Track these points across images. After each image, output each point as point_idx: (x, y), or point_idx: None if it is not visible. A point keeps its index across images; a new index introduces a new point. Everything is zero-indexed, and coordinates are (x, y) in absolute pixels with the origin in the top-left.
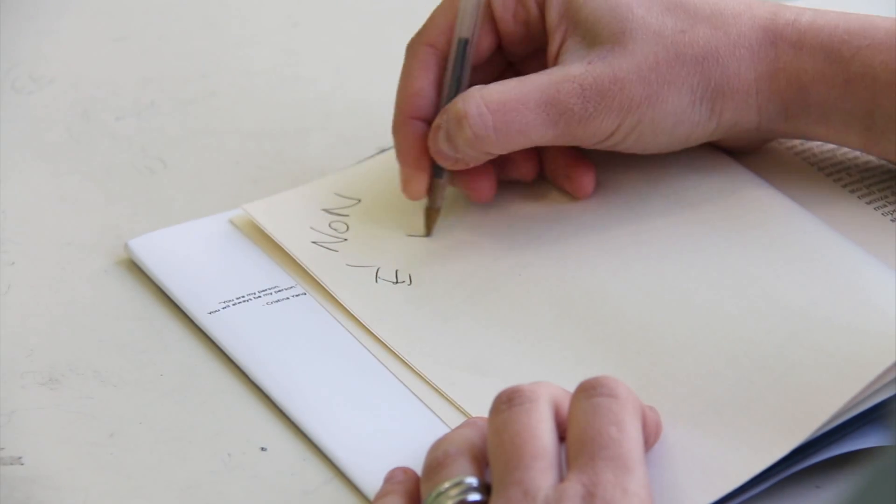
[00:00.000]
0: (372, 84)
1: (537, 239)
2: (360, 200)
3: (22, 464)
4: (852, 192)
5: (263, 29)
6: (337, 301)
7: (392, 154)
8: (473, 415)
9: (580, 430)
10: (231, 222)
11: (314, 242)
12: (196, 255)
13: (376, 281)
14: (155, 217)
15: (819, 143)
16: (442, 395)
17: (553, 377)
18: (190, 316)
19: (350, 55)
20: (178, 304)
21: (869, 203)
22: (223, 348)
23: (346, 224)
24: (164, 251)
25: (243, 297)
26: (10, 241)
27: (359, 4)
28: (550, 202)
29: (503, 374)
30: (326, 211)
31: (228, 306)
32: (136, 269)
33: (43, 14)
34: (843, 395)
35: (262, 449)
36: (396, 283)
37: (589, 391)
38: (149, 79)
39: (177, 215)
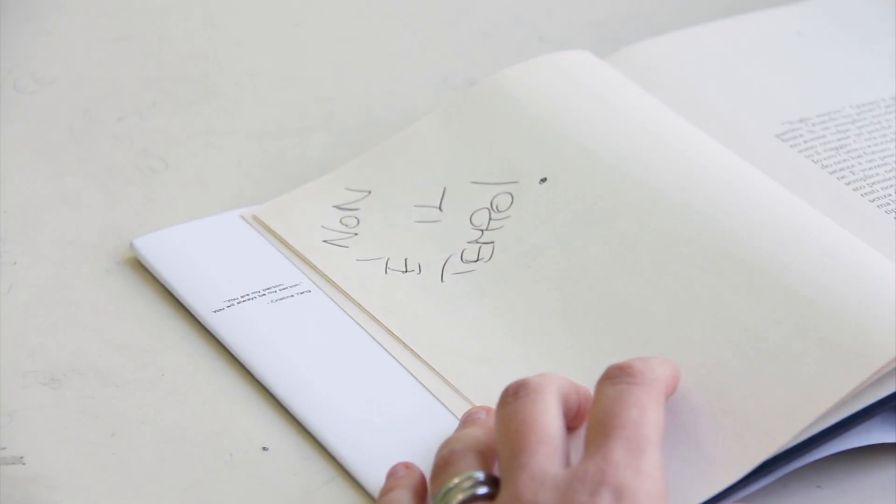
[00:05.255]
0: (374, 84)
1: (547, 230)
2: (370, 192)
3: (23, 463)
4: (856, 189)
5: (265, 29)
6: (343, 296)
7: (400, 139)
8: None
9: (602, 414)
10: (242, 217)
11: (325, 241)
12: (201, 253)
13: (386, 272)
14: (157, 217)
15: (823, 141)
16: (451, 385)
17: (560, 367)
18: (195, 315)
19: (352, 55)
20: (183, 303)
21: (873, 201)
22: (228, 347)
23: (356, 218)
24: (168, 250)
25: (248, 294)
26: (12, 240)
27: (361, 5)
28: (558, 192)
29: (511, 364)
30: (337, 207)
31: (233, 305)
32: (137, 269)
33: (44, 14)
34: (848, 384)
35: (264, 449)
36: (406, 272)
37: (614, 378)
38: (150, 79)
39: (178, 215)
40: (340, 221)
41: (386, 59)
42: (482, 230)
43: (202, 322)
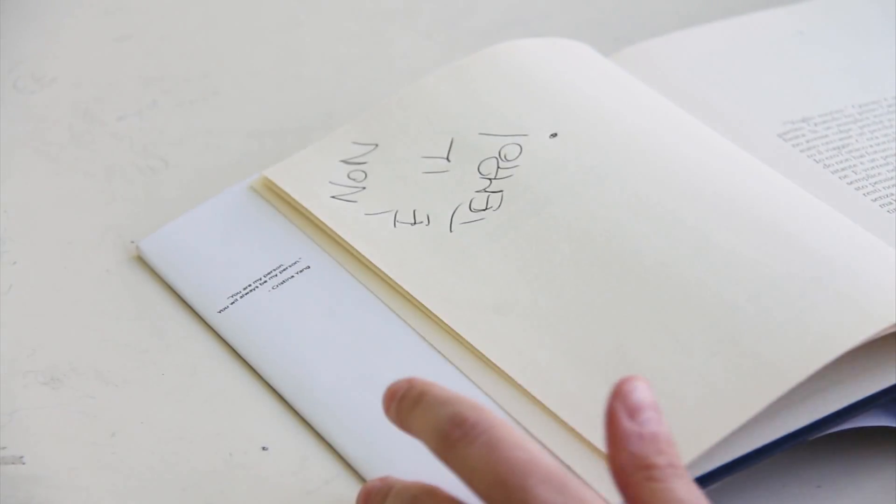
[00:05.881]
0: (374, 83)
1: (557, 179)
2: (377, 145)
3: (24, 463)
4: (858, 189)
5: (265, 28)
6: (345, 262)
7: (407, 94)
8: (494, 360)
9: (489, 480)
10: (251, 187)
11: (333, 197)
12: (203, 246)
13: (395, 225)
14: (157, 217)
15: (825, 140)
16: (461, 342)
17: (571, 313)
18: (202, 317)
19: (352, 54)
20: (190, 304)
21: (875, 201)
22: (235, 348)
23: (364, 172)
24: (171, 249)
25: (250, 285)
26: (12, 240)
27: (361, 4)
28: (569, 147)
29: (521, 312)
30: (345, 162)
31: (236, 300)
32: (137, 269)
33: (45, 14)
34: (864, 332)
35: (264, 448)
36: (415, 224)
37: (462, 439)
38: (151, 78)
39: (178, 215)
40: (348, 176)
41: (386, 59)
42: (490, 179)
43: (209, 325)
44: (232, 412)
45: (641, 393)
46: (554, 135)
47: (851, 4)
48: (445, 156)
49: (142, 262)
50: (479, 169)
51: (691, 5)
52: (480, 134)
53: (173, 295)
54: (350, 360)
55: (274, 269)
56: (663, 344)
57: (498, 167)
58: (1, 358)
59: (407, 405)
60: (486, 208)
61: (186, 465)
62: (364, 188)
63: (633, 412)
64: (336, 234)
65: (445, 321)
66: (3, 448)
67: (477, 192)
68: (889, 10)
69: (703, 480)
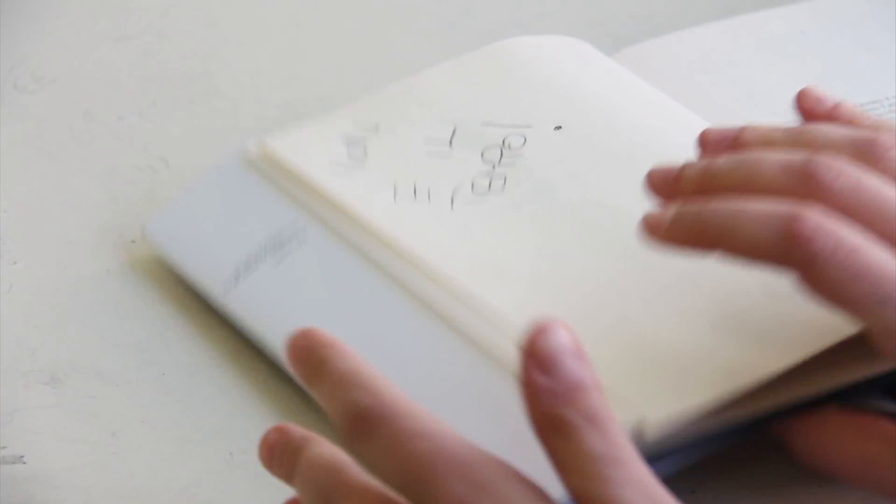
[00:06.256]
0: (374, 84)
1: (562, 168)
2: (378, 127)
3: (24, 463)
4: None
5: (266, 28)
6: (342, 237)
7: (409, 82)
8: (499, 320)
9: (397, 475)
10: (247, 159)
11: (332, 172)
12: (203, 231)
13: (395, 200)
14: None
15: None
16: (462, 301)
17: (572, 285)
18: (210, 304)
19: (352, 55)
20: (198, 290)
21: None
22: (244, 330)
23: (364, 150)
24: (174, 236)
25: (251, 264)
26: (12, 240)
27: (361, 5)
28: (574, 138)
29: (525, 277)
30: (344, 139)
31: (240, 281)
32: (137, 269)
33: (45, 13)
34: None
35: None
36: (415, 200)
37: (362, 432)
38: (151, 78)
39: None
40: (347, 153)
41: (386, 59)
42: (493, 165)
43: (217, 310)
44: (232, 411)
45: (553, 338)
46: (558, 127)
47: (852, 4)
48: (448, 141)
49: (142, 262)
50: (482, 156)
51: (691, 5)
52: (484, 124)
53: (173, 294)
54: (353, 341)
55: (274, 241)
56: (667, 319)
57: (502, 155)
58: (1, 358)
59: (308, 373)
60: (489, 191)
61: (187, 464)
62: (363, 165)
63: (544, 364)
64: (334, 202)
65: (445, 283)
66: (3, 448)
67: (479, 176)
68: (889, 10)
69: (706, 443)
